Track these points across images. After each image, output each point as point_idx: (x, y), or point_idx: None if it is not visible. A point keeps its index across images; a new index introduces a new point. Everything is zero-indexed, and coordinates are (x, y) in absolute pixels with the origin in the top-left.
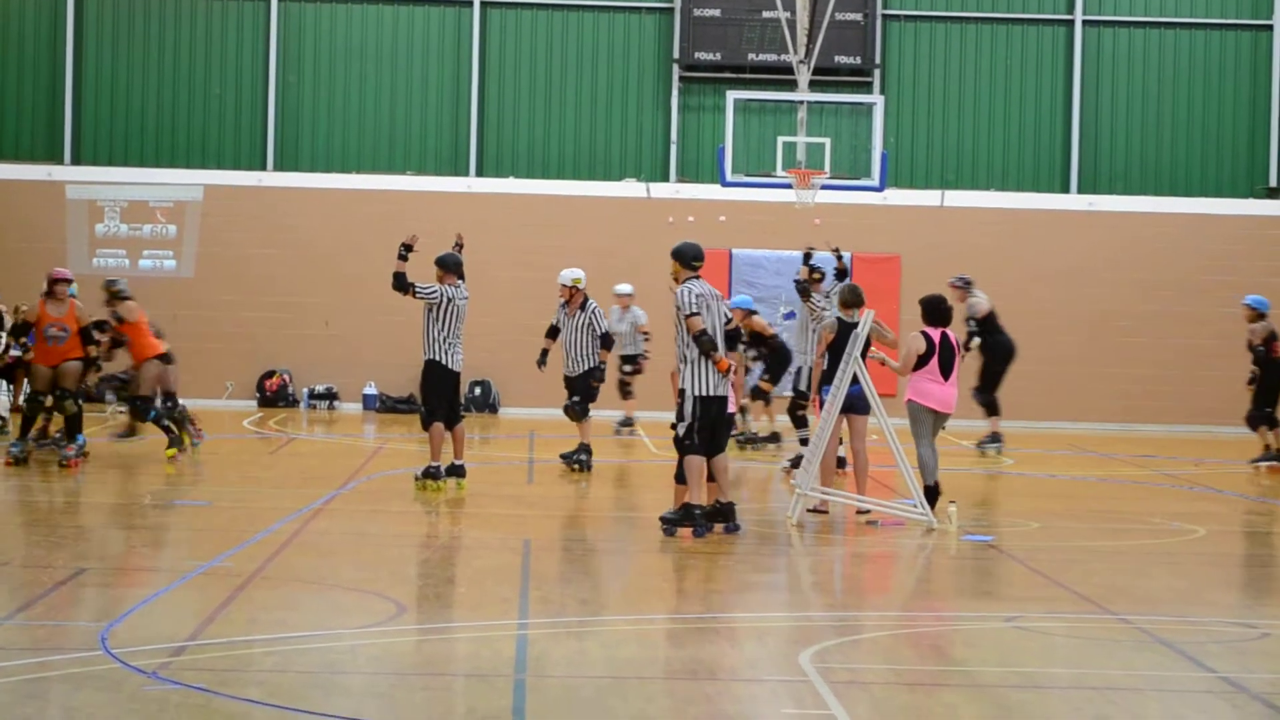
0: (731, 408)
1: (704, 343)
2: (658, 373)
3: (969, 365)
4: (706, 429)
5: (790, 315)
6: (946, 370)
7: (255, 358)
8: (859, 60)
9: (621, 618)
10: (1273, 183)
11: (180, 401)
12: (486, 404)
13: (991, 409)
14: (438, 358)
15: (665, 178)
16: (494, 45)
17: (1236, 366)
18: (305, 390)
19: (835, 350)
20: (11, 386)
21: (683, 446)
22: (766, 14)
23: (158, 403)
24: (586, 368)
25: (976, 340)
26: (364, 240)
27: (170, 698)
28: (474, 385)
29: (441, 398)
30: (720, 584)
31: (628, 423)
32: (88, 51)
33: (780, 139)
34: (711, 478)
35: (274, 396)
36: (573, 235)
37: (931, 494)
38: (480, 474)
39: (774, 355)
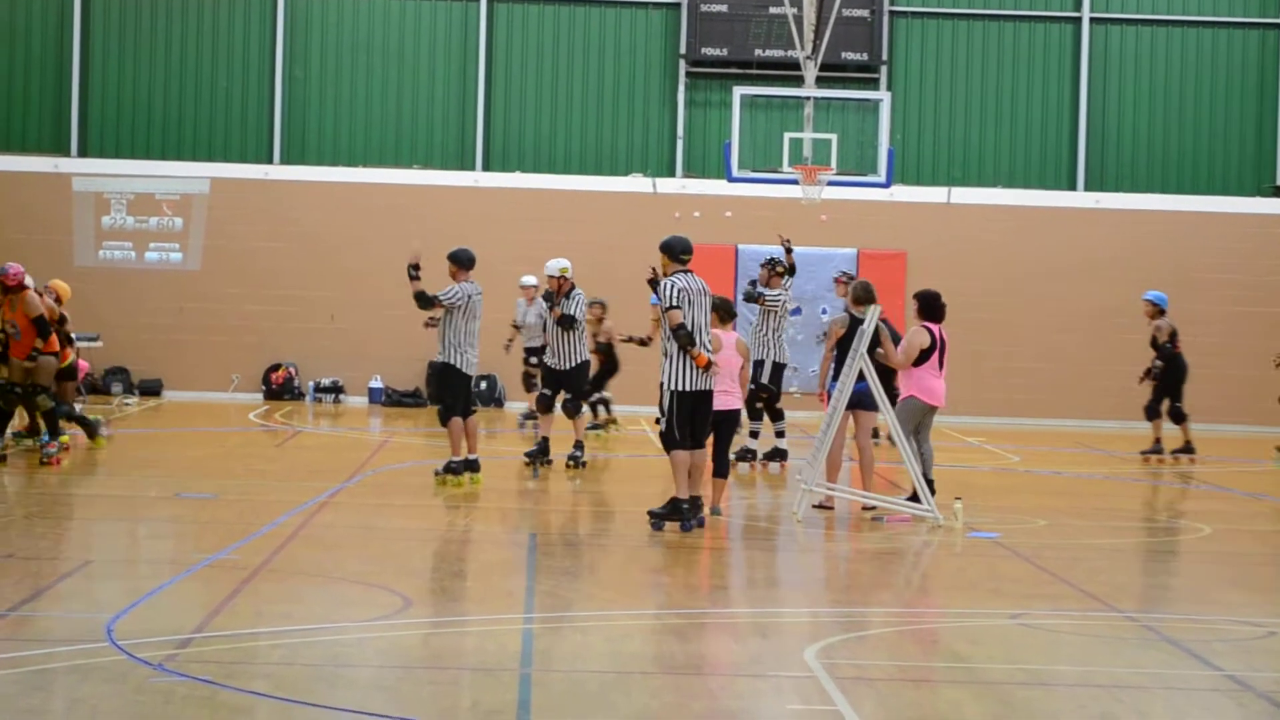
0: (737, 405)
1: (682, 336)
2: None
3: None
4: (687, 423)
5: (796, 311)
6: (941, 365)
7: (261, 351)
8: (866, 57)
9: (626, 612)
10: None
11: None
12: (492, 398)
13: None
14: (452, 360)
15: (672, 173)
16: (501, 39)
17: (1241, 364)
18: (311, 383)
19: (844, 346)
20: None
21: (666, 442)
22: (774, 10)
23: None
24: (577, 362)
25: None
26: (370, 234)
27: (176, 690)
28: (480, 380)
29: (457, 395)
30: (725, 579)
31: (533, 416)
32: (94, 44)
33: (787, 135)
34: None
35: (280, 389)
36: (579, 230)
37: (930, 487)
38: (486, 468)
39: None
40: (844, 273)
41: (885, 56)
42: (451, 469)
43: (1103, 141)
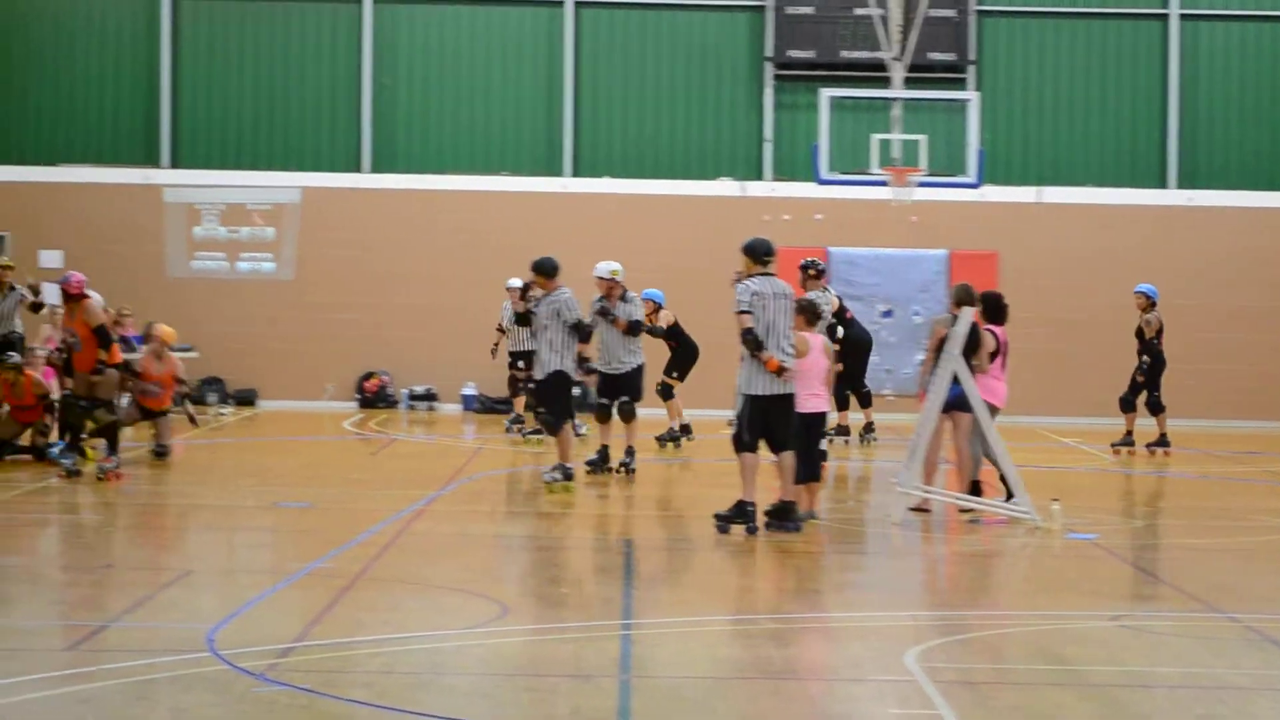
0: (824, 408)
1: (749, 341)
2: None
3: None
4: (759, 428)
5: (888, 314)
6: (1004, 366)
7: (354, 359)
8: (954, 57)
9: (724, 617)
10: None
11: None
12: (583, 404)
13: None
14: (561, 367)
15: (760, 176)
16: (588, 45)
17: None
18: (405, 391)
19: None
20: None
21: (737, 444)
22: (859, 11)
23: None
24: (633, 366)
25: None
26: (461, 241)
27: (278, 699)
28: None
29: (563, 403)
30: (822, 584)
31: (520, 420)
32: (184, 56)
33: (875, 136)
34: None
35: (374, 398)
36: (668, 234)
37: (976, 489)
38: (581, 473)
39: (683, 350)
40: (812, 262)
41: (973, 56)
42: (567, 474)
43: (1194, 138)
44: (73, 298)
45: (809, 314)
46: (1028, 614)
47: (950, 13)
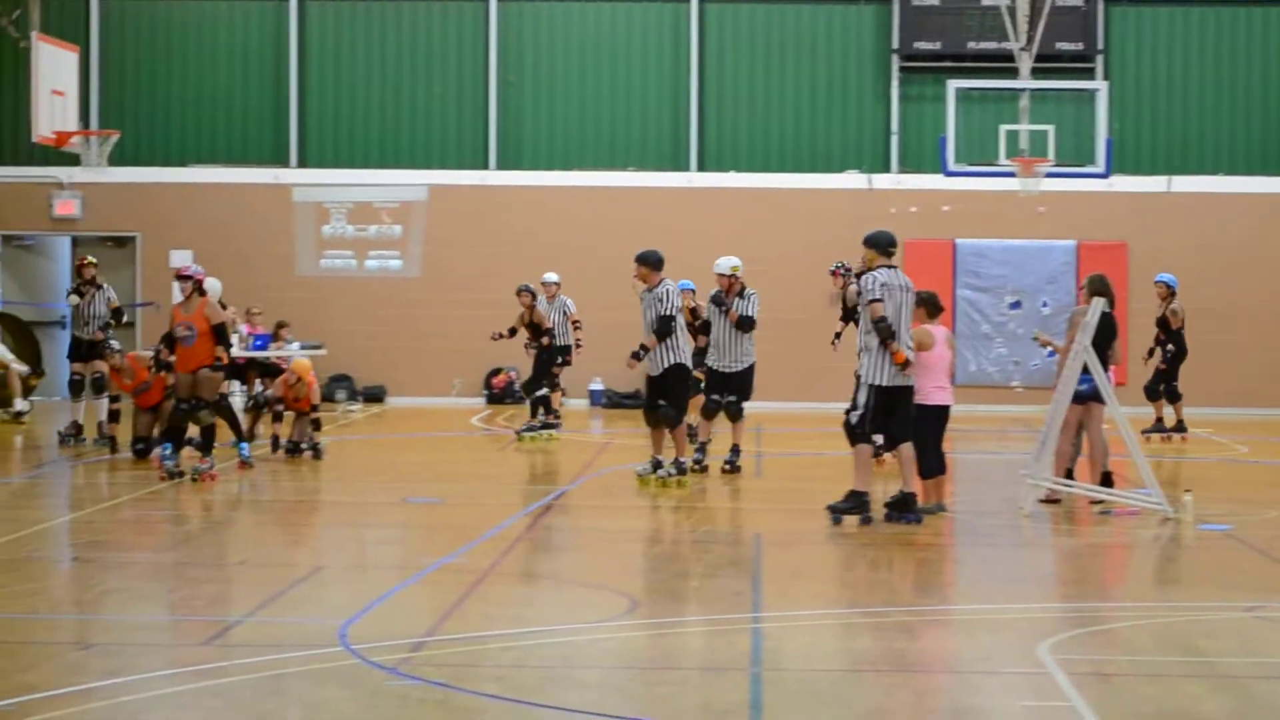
0: (950, 400)
1: (882, 329)
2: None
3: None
4: (880, 419)
5: (1016, 305)
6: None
7: (482, 355)
8: (1081, 46)
9: (855, 610)
10: None
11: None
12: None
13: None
14: (680, 360)
15: (887, 169)
16: (713, 39)
17: None
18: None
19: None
20: (245, 387)
21: (853, 434)
22: (986, 1)
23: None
24: (746, 364)
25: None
26: (587, 237)
27: (411, 693)
28: (491, 374)
29: (684, 397)
30: (952, 575)
31: (554, 415)
32: (311, 56)
33: (1003, 127)
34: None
35: (501, 394)
36: (795, 228)
37: (1107, 480)
38: (710, 467)
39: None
40: (841, 264)
41: (1101, 45)
42: (680, 468)
43: None
44: (199, 289)
45: (930, 306)
46: (1160, 605)
47: (1077, 1)
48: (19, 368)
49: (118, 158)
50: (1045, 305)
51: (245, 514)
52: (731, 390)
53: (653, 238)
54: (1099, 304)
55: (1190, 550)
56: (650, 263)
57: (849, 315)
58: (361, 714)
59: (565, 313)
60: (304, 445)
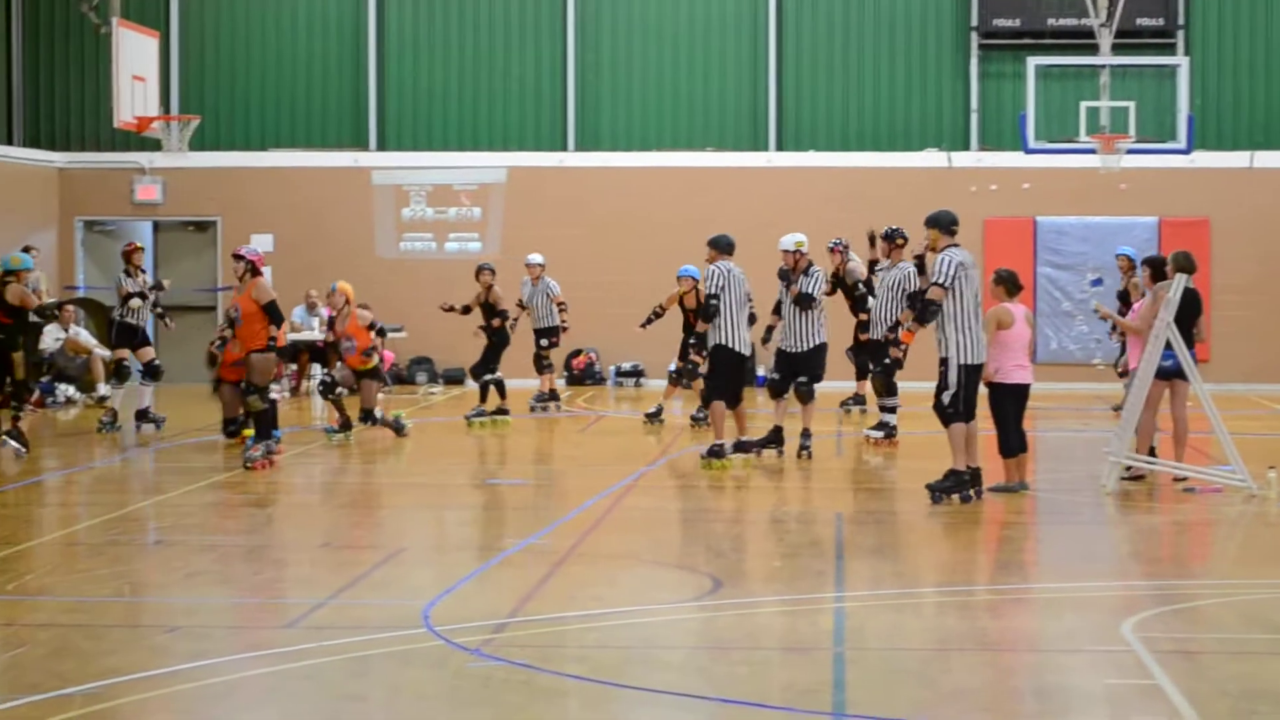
0: (1030, 379)
1: (931, 313)
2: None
3: None
4: (972, 396)
5: (1097, 282)
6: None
7: (562, 337)
8: (1162, 21)
9: (937, 589)
10: None
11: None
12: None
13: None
14: (724, 341)
15: (966, 147)
16: (790, 18)
17: None
18: (612, 368)
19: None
20: (327, 369)
21: (946, 415)
22: None
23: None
24: (814, 344)
25: None
26: (666, 217)
27: (494, 674)
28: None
29: (724, 378)
30: (1035, 554)
31: (551, 397)
32: (389, 39)
33: (1083, 104)
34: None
35: (581, 375)
36: (874, 207)
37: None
38: (790, 448)
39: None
40: (838, 241)
41: (1181, 20)
42: (714, 452)
43: None
44: (252, 270)
45: (1010, 285)
46: (1245, 583)
47: None
48: (102, 353)
49: (198, 142)
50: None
51: (327, 496)
52: (799, 371)
53: (731, 218)
54: (1181, 279)
55: (1274, 527)
56: (721, 246)
57: (849, 293)
58: (445, 695)
59: (549, 294)
60: (378, 416)
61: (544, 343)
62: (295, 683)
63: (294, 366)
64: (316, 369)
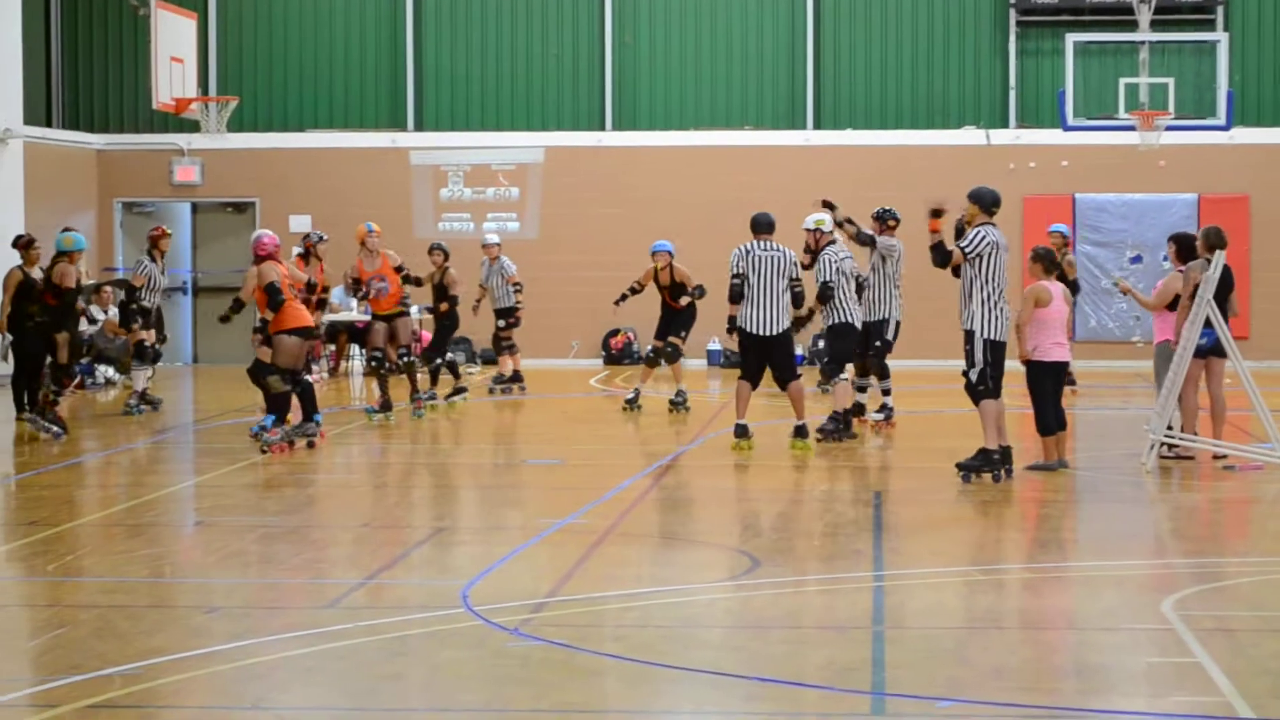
0: (1068, 356)
1: (940, 256)
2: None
3: None
4: (999, 373)
5: (1137, 259)
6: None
7: (599, 316)
8: None
9: (976, 568)
10: None
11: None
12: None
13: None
14: (741, 322)
15: (1005, 124)
16: None
17: None
18: (649, 348)
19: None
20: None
21: (975, 392)
22: None
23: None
24: (836, 321)
25: None
26: (703, 196)
27: (533, 654)
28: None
29: (742, 359)
30: (1074, 532)
31: (514, 379)
32: (427, 19)
33: (1122, 80)
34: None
35: (619, 354)
36: (912, 185)
37: None
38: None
39: (693, 308)
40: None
41: None
42: (737, 431)
43: None
44: (255, 259)
45: (1047, 263)
46: None
47: None
48: (143, 334)
49: (236, 124)
50: (1166, 260)
51: (366, 477)
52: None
53: (770, 197)
54: (1220, 257)
55: None
56: (753, 225)
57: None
58: (484, 675)
59: (505, 275)
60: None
61: (502, 323)
62: (334, 663)
63: (333, 347)
64: (355, 350)
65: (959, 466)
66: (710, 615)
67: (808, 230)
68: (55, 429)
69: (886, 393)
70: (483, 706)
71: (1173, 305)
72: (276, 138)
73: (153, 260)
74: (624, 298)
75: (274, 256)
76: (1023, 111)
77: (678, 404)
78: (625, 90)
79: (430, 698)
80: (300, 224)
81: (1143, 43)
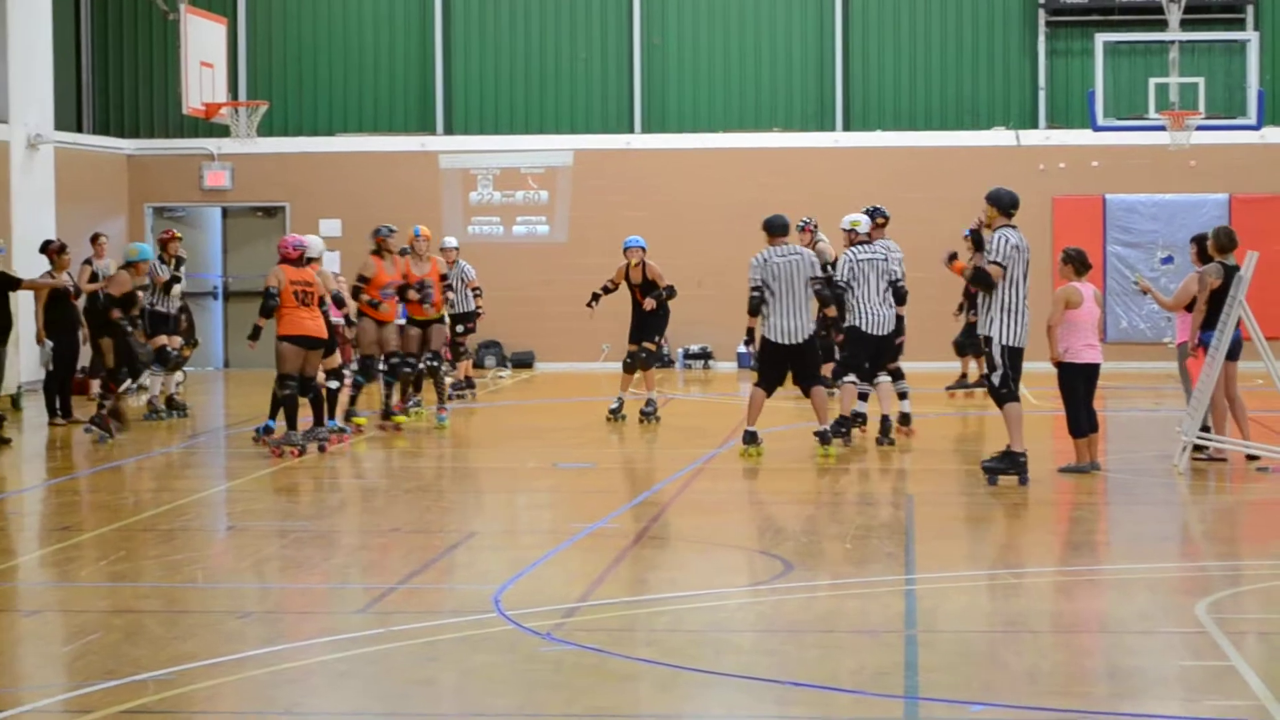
0: (1100, 359)
1: (986, 286)
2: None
3: None
4: (1018, 377)
5: (1168, 260)
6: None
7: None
8: None
9: (1009, 571)
10: None
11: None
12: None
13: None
14: (765, 331)
15: (1034, 125)
16: None
17: None
18: (680, 350)
19: (1218, 297)
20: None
21: (999, 395)
22: None
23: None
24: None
25: None
26: (732, 198)
27: (565, 658)
28: None
29: (767, 365)
30: (1107, 535)
31: (467, 385)
32: (455, 23)
33: (1152, 80)
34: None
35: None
36: (942, 187)
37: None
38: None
39: (665, 310)
40: (808, 220)
41: None
42: (744, 438)
43: None
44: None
45: (1078, 264)
46: None
47: None
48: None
49: (266, 128)
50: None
51: (397, 481)
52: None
53: (800, 199)
54: (1253, 257)
55: None
56: (767, 229)
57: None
58: (517, 679)
59: (464, 279)
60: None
61: (460, 329)
62: (366, 668)
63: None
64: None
65: (985, 469)
66: (742, 619)
67: (844, 230)
68: (103, 432)
69: (903, 396)
70: (515, 711)
71: (1191, 306)
72: (306, 142)
73: (162, 263)
74: (596, 298)
75: (291, 260)
76: (1052, 112)
77: (648, 414)
78: (654, 93)
79: (462, 703)
80: (330, 228)
81: (1172, 42)
